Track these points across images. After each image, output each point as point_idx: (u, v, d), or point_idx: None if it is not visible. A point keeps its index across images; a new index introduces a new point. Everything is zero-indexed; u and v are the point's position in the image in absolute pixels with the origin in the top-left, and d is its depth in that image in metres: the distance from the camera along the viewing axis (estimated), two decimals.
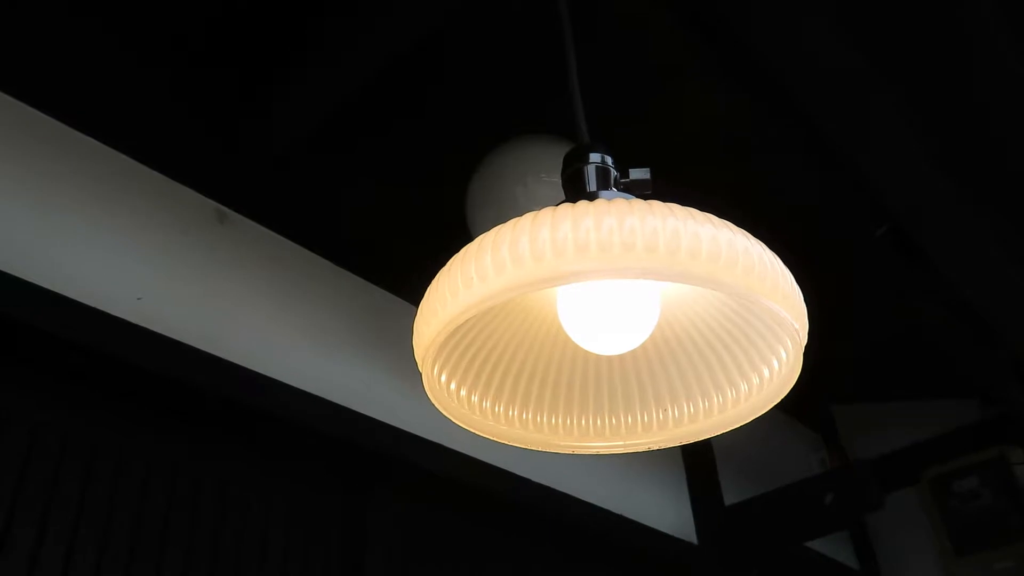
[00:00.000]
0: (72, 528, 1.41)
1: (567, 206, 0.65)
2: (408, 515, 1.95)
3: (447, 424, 0.82)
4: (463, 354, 0.80)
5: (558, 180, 1.87)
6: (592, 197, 0.78)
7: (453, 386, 0.80)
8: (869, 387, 3.86)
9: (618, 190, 0.81)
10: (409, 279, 2.20)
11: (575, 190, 0.82)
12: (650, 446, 0.86)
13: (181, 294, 1.70)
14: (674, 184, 0.93)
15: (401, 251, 2.07)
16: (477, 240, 0.68)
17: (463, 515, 2.05)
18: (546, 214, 0.65)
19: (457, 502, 2.02)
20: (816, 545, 2.95)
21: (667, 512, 2.67)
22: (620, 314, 0.74)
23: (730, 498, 2.82)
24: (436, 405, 0.79)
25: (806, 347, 0.72)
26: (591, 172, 0.82)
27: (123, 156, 1.73)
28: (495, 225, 1.98)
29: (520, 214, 1.97)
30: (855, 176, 2.01)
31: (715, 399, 0.82)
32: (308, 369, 1.84)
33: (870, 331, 3.16)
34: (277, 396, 1.72)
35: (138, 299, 1.62)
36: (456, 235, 1.93)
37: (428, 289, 0.71)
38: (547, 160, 1.77)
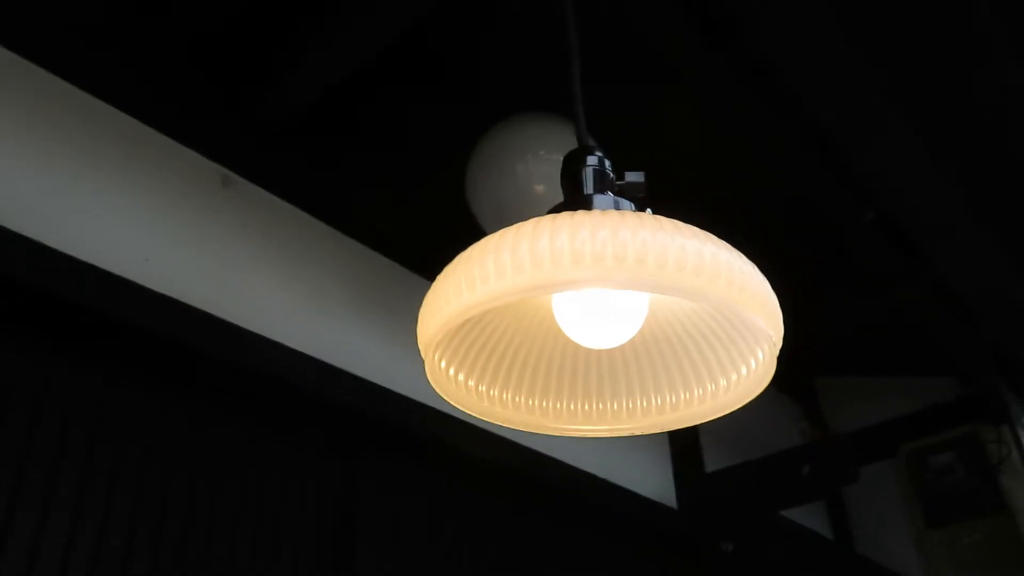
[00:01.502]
0: (77, 490, 1.48)
1: (566, 216, 0.70)
2: (400, 479, 2.02)
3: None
4: (462, 342, 0.85)
5: (558, 158, 1.91)
6: (588, 200, 0.83)
7: (452, 371, 0.86)
8: (852, 362, 3.95)
9: (614, 193, 0.86)
10: (409, 246, 2.25)
11: (572, 191, 0.87)
12: (633, 431, 0.92)
13: (185, 257, 1.75)
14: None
15: (402, 219, 2.12)
16: (482, 242, 0.73)
17: (453, 478, 2.13)
18: (546, 223, 0.70)
19: (448, 466, 2.10)
20: (791, 514, 3.05)
21: (649, 478, 2.76)
22: (610, 313, 0.80)
23: (711, 465, 2.91)
24: (436, 389, 0.85)
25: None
26: (588, 175, 0.87)
27: (129, 118, 1.76)
28: (493, 198, 2.02)
29: (519, 190, 2.00)
30: (846, 162, 2.06)
31: (695, 391, 0.88)
32: (306, 332, 1.90)
33: (856, 309, 3.23)
34: (276, 358, 1.78)
35: (145, 260, 1.67)
36: (456, 208, 1.99)
37: (434, 284, 0.76)
38: (548, 138, 1.82)
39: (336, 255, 2.10)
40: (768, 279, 0.73)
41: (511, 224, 1.98)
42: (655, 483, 2.77)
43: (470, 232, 1.96)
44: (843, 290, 3.07)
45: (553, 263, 0.66)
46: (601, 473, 2.46)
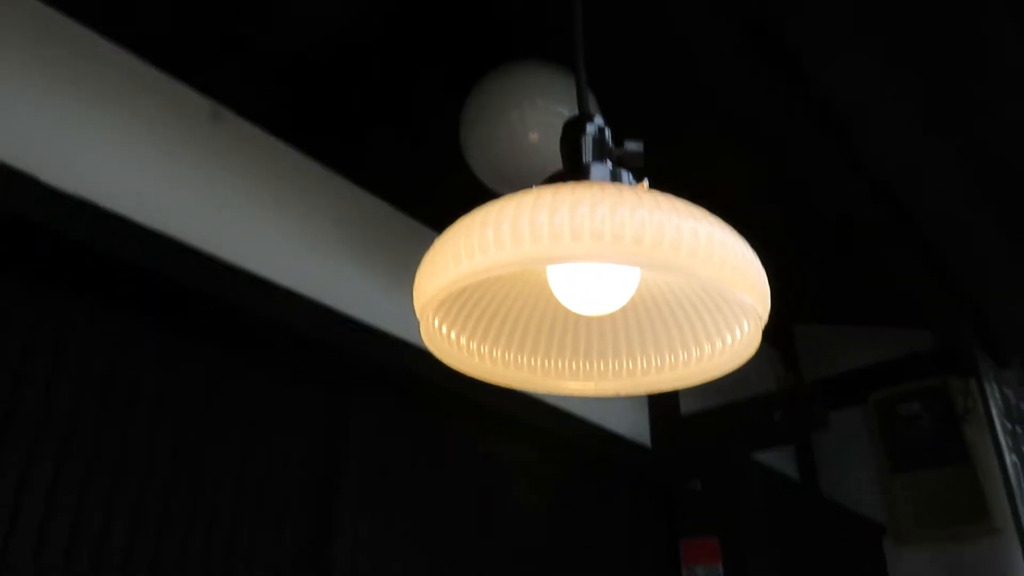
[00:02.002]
0: (68, 426, 1.50)
1: (567, 190, 0.72)
2: (389, 418, 2.07)
3: None
4: (455, 301, 0.88)
5: (554, 107, 1.91)
6: (586, 169, 0.85)
7: (445, 330, 0.88)
8: (830, 311, 4.02)
9: (612, 162, 0.88)
10: (402, 188, 2.25)
11: (571, 159, 0.88)
12: (618, 391, 0.96)
13: (178, 193, 1.75)
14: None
15: (395, 161, 2.11)
16: (483, 210, 0.74)
17: (443, 418, 2.18)
18: (546, 196, 0.72)
19: (434, 405, 2.14)
20: (761, 456, 3.15)
21: (626, 418, 2.83)
22: (603, 283, 0.82)
23: (687, 407, 2.98)
24: (430, 347, 0.87)
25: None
26: (587, 143, 0.88)
27: (123, 51, 1.73)
28: (487, 145, 2.01)
29: (514, 138, 2.00)
30: (838, 121, 2.06)
31: (680, 356, 0.92)
32: (297, 271, 1.91)
33: (839, 261, 3.27)
34: (267, 297, 1.79)
35: (138, 195, 1.66)
36: (449, 153, 1.98)
37: (432, 248, 0.78)
38: (545, 87, 1.81)
39: (328, 195, 2.10)
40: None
41: (504, 171, 1.99)
42: (631, 423, 2.85)
43: (463, 177, 1.98)
44: (826, 241, 3.11)
45: (552, 238, 0.68)
46: (580, 412, 2.53)
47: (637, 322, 0.93)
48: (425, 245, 0.75)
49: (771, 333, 3.89)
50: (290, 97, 2.00)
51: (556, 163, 2.05)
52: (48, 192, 1.48)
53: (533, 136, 1.88)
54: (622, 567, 2.66)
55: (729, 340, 0.87)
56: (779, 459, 3.41)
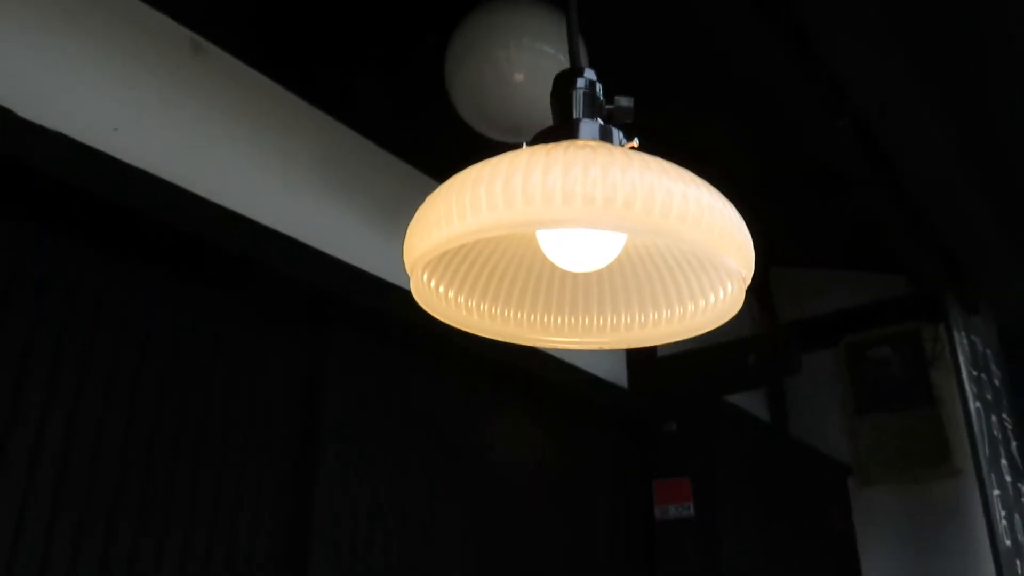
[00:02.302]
0: (51, 363, 1.51)
1: (559, 150, 0.72)
2: (367, 356, 2.08)
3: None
4: (443, 256, 0.88)
5: (541, 47, 1.88)
6: (575, 126, 0.85)
7: (433, 284, 0.89)
8: (807, 254, 4.06)
9: (603, 117, 0.87)
10: (385, 125, 2.22)
11: (561, 115, 0.88)
12: (602, 345, 0.98)
13: (156, 128, 1.72)
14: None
15: (378, 97, 2.08)
16: (476, 169, 0.74)
17: (421, 358, 2.19)
18: (539, 157, 0.72)
19: (416, 346, 2.16)
20: (733, 397, 3.21)
21: (603, 359, 2.87)
22: (590, 240, 0.83)
23: (663, 350, 3.03)
24: (419, 302, 0.88)
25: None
26: (578, 98, 0.88)
27: None
28: (471, 84, 1.99)
29: (499, 77, 1.97)
30: (826, 68, 2.06)
31: (663, 313, 0.93)
32: (277, 208, 1.90)
33: (817, 205, 3.30)
34: (246, 234, 1.78)
35: (115, 130, 1.63)
36: (434, 90, 1.96)
37: (424, 206, 0.78)
38: (532, 26, 1.78)
39: (310, 131, 2.07)
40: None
41: (488, 112, 1.96)
42: (609, 365, 2.89)
43: (449, 116, 1.96)
44: (807, 185, 3.13)
45: (544, 201, 0.68)
46: (558, 354, 2.56)
47: (623, 279, 0.94)
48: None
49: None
50: (273, 30, 1.96)
51: (541, 105, 2.03)
52: (25, 126, 1.45)
53: (519, 76, 1.86)
54: (597, 507, 2.73)
55: (713, 299, 0.88)
56: (751, 401, 3.49)
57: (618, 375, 2.92)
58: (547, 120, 1.68)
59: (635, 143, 0.85)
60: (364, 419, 2.03)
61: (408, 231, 0.80)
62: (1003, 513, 2.57)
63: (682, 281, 0.90)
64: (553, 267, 0.93)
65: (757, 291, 4.04)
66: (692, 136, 2.67)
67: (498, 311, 0.95)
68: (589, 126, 0.84)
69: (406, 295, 0.84)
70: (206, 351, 1.78)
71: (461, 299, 0.92)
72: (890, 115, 2.29)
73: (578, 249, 0.84)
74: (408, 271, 0.82)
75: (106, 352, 1.59)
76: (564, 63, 1.81)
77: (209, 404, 1.74)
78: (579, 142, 0.80)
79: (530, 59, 1.81)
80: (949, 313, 2.95)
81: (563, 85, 0.89)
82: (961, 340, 2.79)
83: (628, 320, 0.96)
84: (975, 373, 2.80)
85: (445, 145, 2.17)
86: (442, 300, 0.90)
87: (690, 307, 0.91)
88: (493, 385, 2.42)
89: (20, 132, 1.44)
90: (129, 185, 1.59)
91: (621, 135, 0.84)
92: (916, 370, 3.61)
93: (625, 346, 0.97)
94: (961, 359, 2.68)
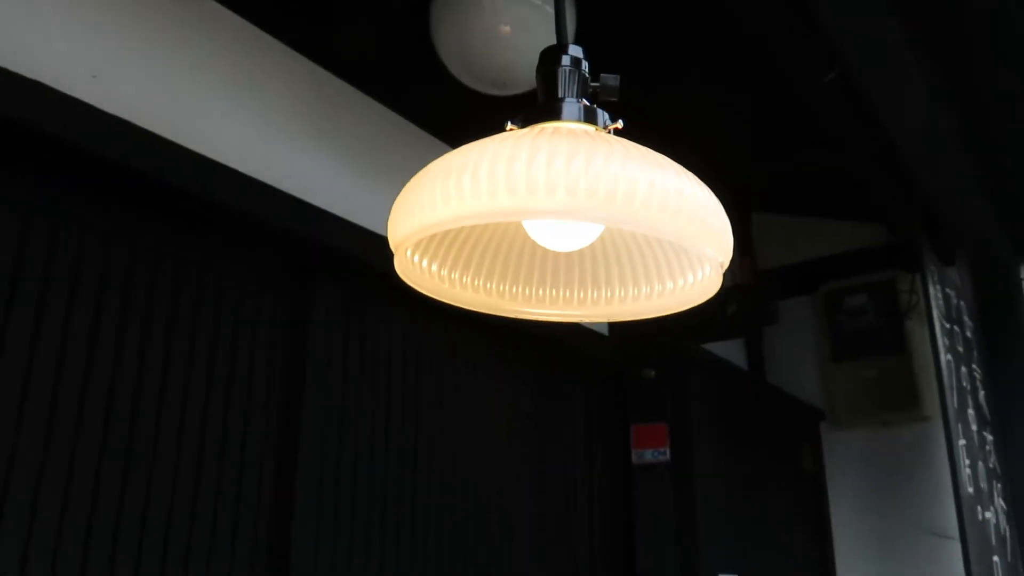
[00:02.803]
0: (34, 309, 1.51)
1: (544, 138, 0.73)
2: (352, 307, 2.10)
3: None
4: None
5: None
6: (558, 108, 0.85)
7: (416, 259, 0.90)
8: (788, 201, 4.09)
9: (587, 95, 0.88)
10: (371, 74, 2.19)
11: (547, 92, 0.88)
12: (581, 318, 1.00)
13: (137, 75, 1.69)
14: None
15: (365, 46, 2.05)
16: (462, 153, 0.75)
17: (404, 307, 2.21)
18: (524, 143, 0.72)
19: (399, 294, 2.17)
20: (711, 344, 3.27)
21: None
22: (573, 224, 0.84)
23: None
24: (402, 276, 0.89)
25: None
26: (562, 76, 0.87)
27: None
28: (457, 35, 1.97)
29: (485, 29, 1.95)
30: (816, 21, 2.04)
31: (643, 289, 0.95)
32: (262, 158, 1.89)
33: (800, 154, 3.31)
34: (230, 185, 1.77)
35: (93, 77, 1.61)
36: (419, 39, 1.93)
37: (409, 186, 0.78)
38: None
39: (296, 79, 2.05)
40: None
41: (472, 64, 1.94)
42: None
43: (433, 62, 1.93)
44: (790, 134, 3.13)
45: (527, 192, 0.69)
46: None
47: (604, 255, 0.95)
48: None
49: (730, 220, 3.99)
50: None
51: (527, 58, 2.02)
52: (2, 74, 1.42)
53: (505, 28, 1.84)
54: (575, 450, 2.79)
55: (691, 279, 0.90)
56: (728, 348, 3.55)
57: (599, 323, 2.96)
58: (532, 74, 1.67)
59: (619, 124, 0.85)
60: (348, 367, 2.06)
61: (392, 211, 0.81)
62: (967, 462, 2.66)
63: (662, 260, 0.92)
64: (535, 243, 0.94)
65: (738, 237, 4.06)
66: (678, 81, 2.66)
67: (480, 283, 0.96)
68: (574, 107, 0.84)
69: (386, 243, 0.85)
70: (188, 301, 1.78)
71: (444, 272, 0.93)
72: (876, 68, 2.29)
73: (560, 230, 0.85)
74: (392, 249, 0.83)
75: (88, 301, 1.60)
76: (551, 16, 1.79)
77: (191, 354, 1.76)
78: (564, 126, 0.80)
79: (517, 10, 1.79)
80: (925, 264, 2.99)
81: (548, 62, 0.89)
82: (936, 294, 2.84)
83: (608, 294, 0.97)
84: (948, 326, 2.86)
85: (431, 93, 2.15)
86: (424, 274, 0.92)
87: (668, 285, 0.93)
88: (477, 332, 2.45)
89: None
90: (107, 134, 1.57)
91: (606, 116, 0.85)
92: (890, 319, 3.68)
93: (604, 319, 0.99)
94: (935, 312, 2.73)
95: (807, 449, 3.69)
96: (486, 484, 2.42)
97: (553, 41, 0.96)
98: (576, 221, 0.82)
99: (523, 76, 1.81)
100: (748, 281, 3.20)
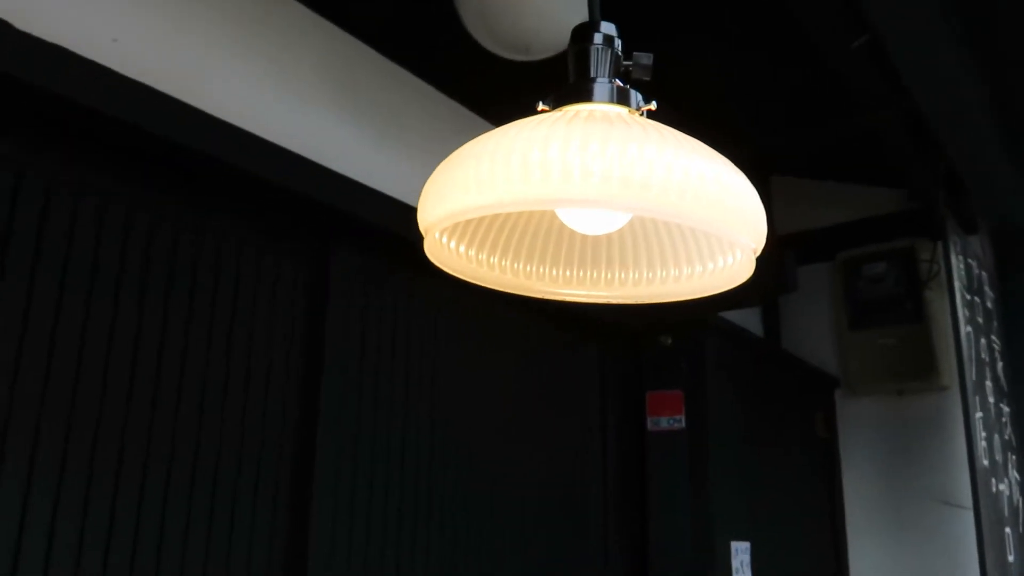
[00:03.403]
0: (60, 278, 1.52)
1: (577, 123, 0.71)
2: (371, 273, 2.09)
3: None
4: None
5: None
6: (592, 85, 0.83)
7: (444, 239, 0.89)
8: (808, 165, 4.04)
9: (620, 74, 0.86)
10: (393, 38, 2.16)
11: (579, 71, 0.86)
12: (608, 299, 0.99)
13: (157, 39, 1.67)
14: None
15: (387, 9, 2.03)
16: (495, 136, 0.73)
17: (423, 274, 2.20)
18: (559, 127, 0.71)
19: (418, 263, 2.17)
20: (726, 312, 3.25)
21: None
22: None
23: None
24: (432, 259, 0.89)
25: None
26: (594, 55, 0.86)
27: None
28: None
29: None
30: None
31: (671, 271, 0.94)
32: (284, 123, 1.88)
33: (823, 119, 3.26)
34: (250, 150, 1.76)
35: (114, 40, 1.59)
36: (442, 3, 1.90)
37: (440, 170, 0.77)
38: None
39: (318, 42, 2.02)
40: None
41: (496, 29, 1.91)
42: None
43: (455, 29, 1.90)
44: (814, 98, 3.08)
45: (562, 179, 0.68)
46: None
47: (633, 237, 0.94)
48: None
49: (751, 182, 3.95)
50: None
51: (551, 23, 1.98)
52: (23, 39, 1.41)
53: None
54: (591, 416, 2.81)
55: (722, 263, 0.89)
56: (744, 314, 3.53)
57: None
58: (558, 40, 1.67)
59: (652, 106, 0.84)
60: (366, 334, 2.06)
61: (423, 193, 0.80)
62: (983, 435, 2.66)
63: (692, 243, 0.91)
64: (564, 224, 0.93)
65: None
66: (697, 44, 2.62)
67: (508, 264, 0.96)
68: (606, 88, 0.83)
69: (408, 210, 0.84)
70: (207, 267, 1.78)
71: (472, 253, 0.93)
72: (906, 34, 2.24)
73: (591, 215, 0.84)
74: (422, 232, 0.83)
75: (112, 265, 1.60)
76: None
77: (211, 322, 1.77)
78: (597, 109, 0.79)
79: None
80: (948, 234, 2.96)
81: (579, 40, 0.87)
82: (958, 264, 2.81)
83: (636, 276, 0.97)
84: (968, 297, 2.84)
85: (454, 57, 2.12)
86: (453, 255, 0.91)
87: (698, 268, 0.92)
88: (494, 299, 2.44)
89: (18, 46, 1.40)
90: (127, 98, 1.56)
91: (639, 98, 0.83)
92: (909, 287, 3.65)
93: (633, 301, 0.98)
94: (956, 284, 2.71)
95: (820, 416, 3.69)
96: (501, 451, 2.43)
97: (579, 5, 0.94)
98: (610, 210, 0.81)
99: (548, 41, 1.78)
100: (767, 248, 3.17)
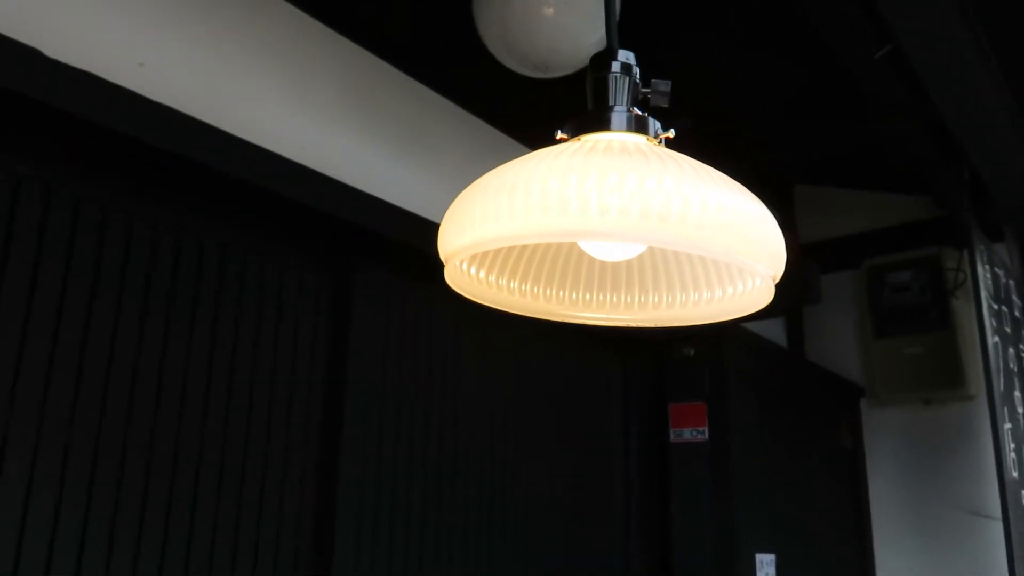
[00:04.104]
0: (89, 298, 1.54)
1: (596, 155, 0.72)
2: (393, 288, 2.11)
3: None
4: None
5: None
6: (610, 114, 0.84)
7: (465, 266, 0.90)
8: (832, 173, 4.01)
9: (639, 102, 0.87)
10: (413, 54, 2.18)
11: (596, 100, 0.87)
12: (628, 322, 1.00)
13: (182, 62, 1.70)
14: None
15: (406, 25, 2.05)
16: (514, 167, 0.74)
17: (444, 289, 2.22)
18: (578, 160, 0.72)
19: (439, 276, 2.18)
20: (750, 324, 3.24)
21: None
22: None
23: None
24: (451, 284, 0.90)
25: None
26: (612, 83, 0.87)
27: None
28: (499, 16, 1.93)
29: (528, 10, 1.91)
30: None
31: (691, 296, 0.94)
32: (306, 142, 1.90)
33: (845, 127, 3.24)
34: (273, 170, 1.78)
35: (140, 65, 1.62)
36: (461, 18, 1.91)
37: (460, 200, 0.78)
38: None
39: (339, 60, 2.04)
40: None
41: (515, 46, 1.92)
42: None
43: (474, 45, 1.92)
44: (835, 106, 3.06)
45: (580, 212, 0.69)
46: None
47: (652, 262, 0.95)
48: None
49: (769, 191, 3.92)
50: None
51: (570, 41, 1.98)
52: (52, 66, 1.44)
53: (548, 11, 1.82)
54: (613, 427, 2.80)
55: (741, 288, 0.89)
56: (768, 324, 3.52)
57: None
58: (576, 57, 1.68)
59: (671, 134, 0.84)
60: (388, 350, 2.08)
61: (444, 223, 0.81)
62: (1012, 446, 2.62)
63: (711, 268, 0.92)
64: (583, 250, 0.94)
65: (780, 210, 4.00)
66: (719, 53, 2.61)
67: (528, 288, 0.97)
68: (624, 117, 0.84)
69: (429, 226, 0.85)
70: (232, 286, 1.81)
71: (492, 278, 0.94)
72: (930, 44, 2.23)
73: (610, 243, 0.85)
74: (443, 260, 0.84)
75: (138, 284, 1.63)
76: None
77: (235, 342, 1.79)
78: (615, 139, 0.80)
79: None
80: (974, 243, 2.93)
81: (597, 68, 0.88)
82: (984, 274, 2.78)
83: (656, 299, 0.97)
84: (996, 307, 2.80)
85: (473, 73, 2.13)
86: (473, 281, 0.92)
87: (718, 292, 0.92)
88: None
89: (49, 73, 1.43)
90: (154, 122, 1.59)
91: (658, 126, 0.84)
92: (935, 295, 3.61)
93: (652, 324, 0.99)
94: (983, 294, 2.68)
95: (845, 426, 3.66)
96: (523, 462, 2.44)
97: (598, 23, 0.95)
98: (629, 243, 0.82)
99: (567, 59, 1.79)
100: (790, 260, 3.16)
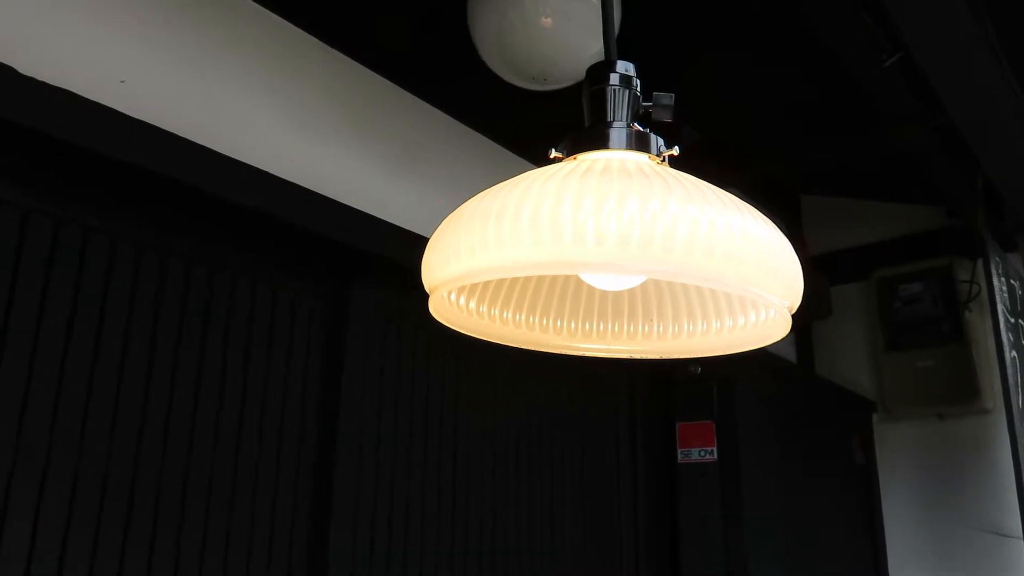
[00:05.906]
0: (67, 322, 1.48)
1: (592, 176, 0.65)
2: (388, 307, 2.04)
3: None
4: None
5: None
6: (608, 131, 0.77)
7: (453, 296, 0.83)
8: (838, 183, 3.94)
9: (640, 116, 0.80)
10: (407, 67, 2.12)
11: (594, 114, 0.80)
12: (631, 354, 0.92)
13: (165, 79, 1.64)
14: None
15: (400, 39, 1.98)
16: (503, 191, 0.68)
17: None
18: (572, 183, 0.65)
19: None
20: None
21: None
22: None
23: None
24: (436, 316, 0.83)
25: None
26: (611, 97, 0.80)
27: None
28: (495, 27, 1.87)
29: (525, 21, 1.85)
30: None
31: (699, 325, 0.87)
32: (295, 159, 1.83)
33: (855, 136, 3.17)
34: (263, 190, 1.72)
35: (121, 82, 1.56)
36: (456, 31, 1.85)
37: (445, 227, 0.72)
38: None
39: (331, 75, 1.98)
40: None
41: (512, 58, 1.85)
42: None
43: (471, 59, 1.85)
44: (844, 115, 3.00)
45: (575, 241, 0.62)
46: None
47: (657, 290, 0.88)
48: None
49: (775, 202, 3.84)
50: None
51: (568, 53, 1.91)
52: (27, 84, 1.38)
53: (546, 21, 1.76)
54: (621, 447, 2.72)
55: (754, 319, 0.82)
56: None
57: None
58: (575, 69, 1.59)
59: (675, 151, 0.77)
60: (385, 369, 2.01)
61: (428, 252, 0.74)
62: None
63: (721, 296, 0.84)
64: (579, 278, 0.87)
65: (787, 221, 3.93)
66: (726, 62, 2.55)
67: (523, 318, 0.90)
68: (624, 134, 0.77)
69: (426, 243, 0.78)
70: (222, 306, 1.74)
71: (483, 308, 0.87)
72: (941, 52, 2.16)
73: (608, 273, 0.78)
74: (427, 291, 0.77)
75: (121, 308, 1.57)
76: (596, 7, 1.69)
77: (225, 365, 1.72)
78: (614, 158, 0.73)
79: (559, 2, 1.70)
80: (989, 254, 2.85)
81: (595, 80, 0.81)
82: (1000, 286, 2.70)
83: (660, 330, 0.90)
84: (1012, 320, 2.72)
85: (470, 87, 2.07)
86: (463, 312, 0.85)
87: (728, 323, 0.85)
88: None
89: (23, 91, 1.37)
90: (136, 140, 1.52)
91: (660, 143, 0.77)
92: (947, 307, 3.53)
93: (656, 355, 0.92)
94: (999, 307, 2.60)
95: (857, 441, 3.57)
96: (528, 483, 2.36)
97: (597, 35, 0.88)
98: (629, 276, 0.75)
99: (566, 71, 1.72)
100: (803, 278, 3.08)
